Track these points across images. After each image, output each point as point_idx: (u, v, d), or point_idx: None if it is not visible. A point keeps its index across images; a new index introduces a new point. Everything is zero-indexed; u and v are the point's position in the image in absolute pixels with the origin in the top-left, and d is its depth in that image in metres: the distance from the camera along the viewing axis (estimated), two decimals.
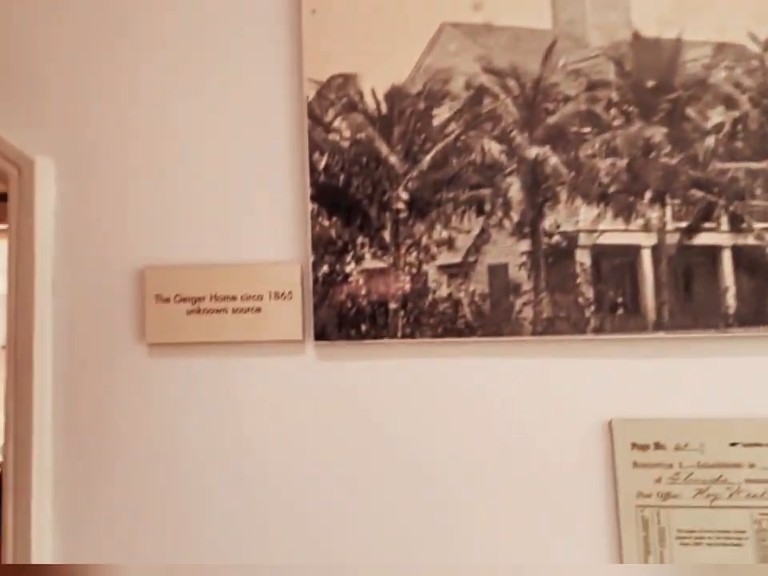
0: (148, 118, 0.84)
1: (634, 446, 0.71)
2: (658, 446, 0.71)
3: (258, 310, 0.80)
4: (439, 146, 0.80)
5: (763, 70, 0.76)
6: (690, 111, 0.77)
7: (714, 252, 0.75)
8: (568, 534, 0.71)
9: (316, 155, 0.81)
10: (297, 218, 0.81)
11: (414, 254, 0.78)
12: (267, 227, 0.81)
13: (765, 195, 0.74)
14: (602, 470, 0.72)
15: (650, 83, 0.78)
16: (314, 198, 0.80)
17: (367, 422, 0.76)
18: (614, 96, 0.78)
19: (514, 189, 0.78)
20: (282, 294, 0.80)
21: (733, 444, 0.70)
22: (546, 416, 0.74)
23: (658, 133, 0.77)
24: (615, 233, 0.76)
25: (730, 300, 0.73)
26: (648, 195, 0.76)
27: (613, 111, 0.78)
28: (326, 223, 0.80)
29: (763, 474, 0.69)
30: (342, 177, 0.81)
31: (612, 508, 0.71)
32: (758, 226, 0.74)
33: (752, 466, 0.69)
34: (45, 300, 0.82)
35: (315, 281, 0.79)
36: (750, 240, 0.74)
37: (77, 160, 0.84)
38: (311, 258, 0.79)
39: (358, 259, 0.79)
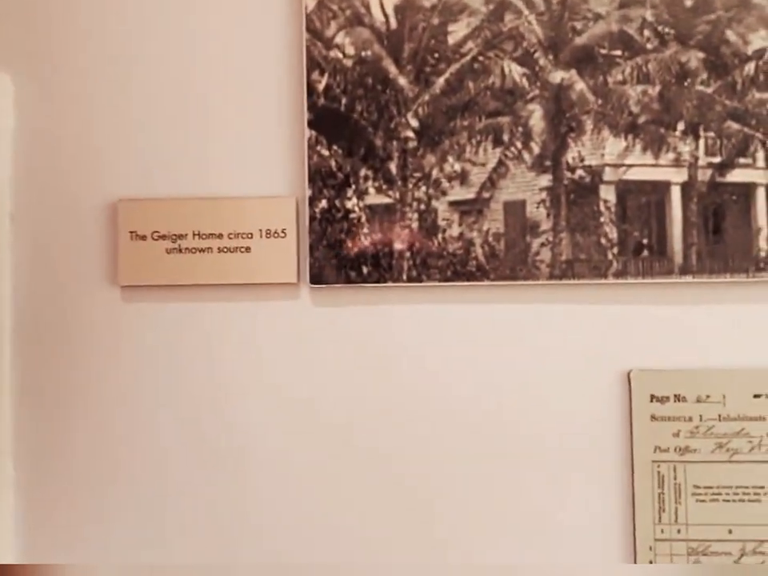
0: (122, 33, 0.73)
1: (653, 398, 0.67)
2: (678, 398, 0.67)
3: (247, 249, 0.72)
4: (454, 67, 0.71)
5: None
6: (730, 34, 0.69)
7: (747, 190, 0.69)
8: (579, 492, 0.68)
9: (315, 75, 0.71)
10: (292, 147, 0.72)
11: (423, 188, 0.71)
12: (258, 156, 0.72)
13: None
14: (618, 424, 0.68)
15: (689, 2, 0.70)
16: (311, 124, 0.71)
17: (369, 375, 0.70)
18: (649, 15, 0.70)
19: (536, 117, 0.71)
20: (275, 232, 0.72)
21: (756, 396, 0.67)
22: (562, 366, 0.69)
23: (694, 57, 0.70)
24: (643, 168, 0.70)
25: (763, 242, 0.68)
26: (680, 127, 0.69)
27: (647, 32, 0.70)
28: (325, 153, 0.72)
29: None
30: (344, 100, 0.72)
31: (627, 463, 0.68)
32: None
33: None
34: (1, 237, 0.73)
35: (312, 218, 0.71)
36: None
37: (39, 77, 0.73)
38: (308, 192, 0.71)
39: (361, 194, 0.71)
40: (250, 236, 0.72)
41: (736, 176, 0.69)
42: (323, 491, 0.71)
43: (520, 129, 0.70)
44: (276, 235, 0.72)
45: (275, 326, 0.72)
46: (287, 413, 0.71)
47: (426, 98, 0.71)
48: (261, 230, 0.72)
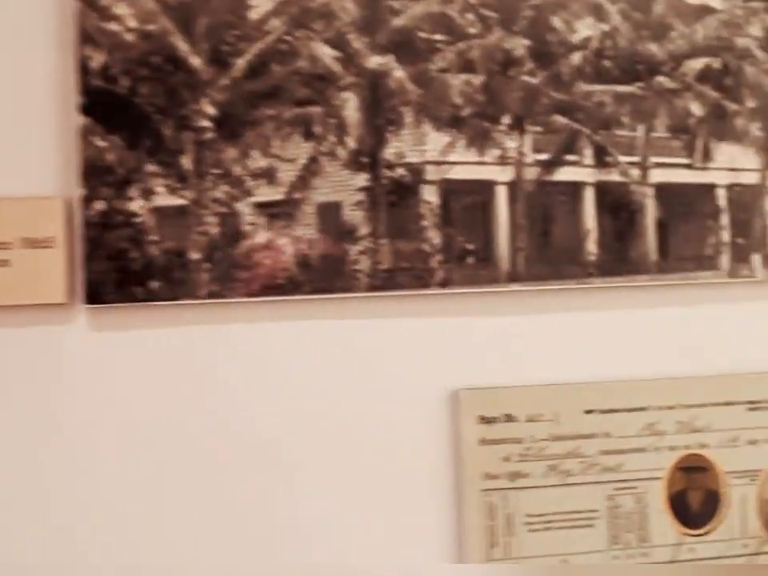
0: None
1: (481, 419, 0.62)
2: (508, 417, 0.62)
3: (5, 263, 0.59)
4: (257, 47, 0.61)
5: None
6: (556, 21, 0.64)
7: (576, 189, 0.64)
8: (400, 529, 0.61)
9: (88, 50, 0.59)
10: (60, 137, 0.59)
11: (224, 187, 0.61)
12: (16, 148, 0.59)
13: (631, 124, 0.64)
14: (444, 451, 0.61)
15: None
16: (84, 110, 0.59)
17: (160, 411, 0.59)
18: None
19: (351, 107, 0.62)
20: (39, 241, 0.59)
21: (588, 411, 0.63)
22: (381, 387, 0.61)
23: (519, 45, 0.64)
24: (468, 165, 0.63)
25: (592, 246, 0.64)
26: (505, 121, 0.64)
27: (470, 15, 0.63)
28: (103, 144, 0.59)
29: (618, 443, 0.62)
30: (125, 82, 0.60)
31: (454, 494, 0.61)
32: (623, 159, 0.65)
33: (607, 435, 0.62)
34: None
35: (86, 223, 0.59)
36: (615, 176, 0.65)
37: None
38: (80, 192, 0.59)
39: (147, 193, 0.60)
40: (8, 246, 0.59)
41: (564, 174, 0.64)
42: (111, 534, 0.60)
43: (333, 120, 0.62)
44: (41, 245, 0.59)
45: (43, 357, 0.59)
46: (69, 461, 0.60)
47: (225, 82, 0.61)
48: (21, 239, 0.59)
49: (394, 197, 0.62)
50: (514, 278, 0.63)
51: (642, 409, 0.63)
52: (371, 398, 0.61)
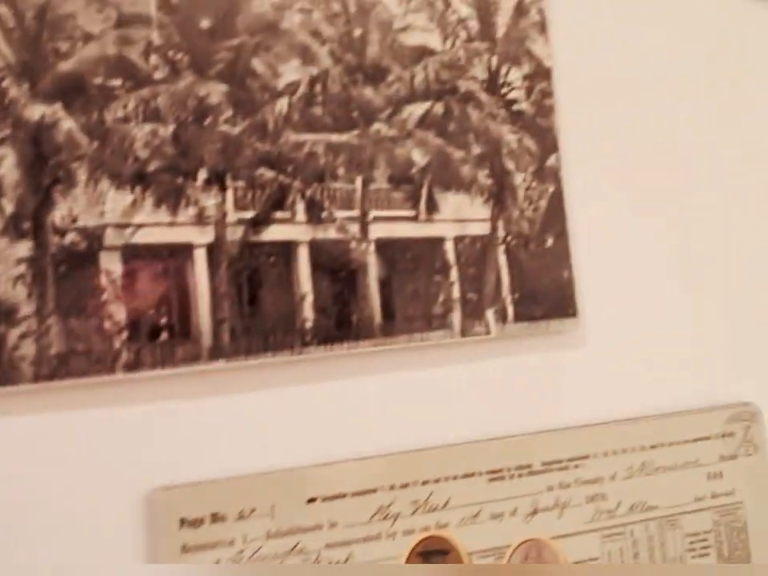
0: None
1: (183, 522, 0.53)
2: (215, 517, 0.54)
3: None
4: None
5: (346, 16, 0.61)
6: (258, 64, 0.59)
7: (287, 249, 0.58)
8: None
9: None
10: None
11: None
12: None
13: (348, 176, 0.59)
14: (138, 564, 0.53)
15: (205, 23, 0.58)
16: None
17: None
18: (156, 38, 0.56)
19: (7, 165, 0.53)
20: None
21: (310, 500, 0.56)
22: (66, 491, 0.51)
23: (215, 91, 0.58)
24: (157, 227, 0.55)
25: (308, 311, 0.58)
26: (202, 176, 0.56)
27: (154, 59, 0.56)
28: None
29: (346, 533, 0.55)
30: None
31: None
32: (340, 214, 0.59)
33: (333, 525, 0.55)
34: None
35: None
36: (331, 233, 0.59)
37: None
38: None
39: None
40: None
41: (273, 233, 0.58)
42: None
43: None
44: None
45: None
46: None
47: None
48: None
49: (65, 267, 0.52)
50: (217, 354, 0.55)
51: (371, 491, 0.56)
52: (57, 506, 0.51)
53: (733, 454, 0.65)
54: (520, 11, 0.65)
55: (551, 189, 0.64)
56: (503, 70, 0.64)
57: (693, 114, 0.69)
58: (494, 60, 0.64)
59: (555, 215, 0.64)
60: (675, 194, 0.68)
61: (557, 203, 0.64)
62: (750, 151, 0.71)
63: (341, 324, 0.57)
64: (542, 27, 0.65)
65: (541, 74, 0.65)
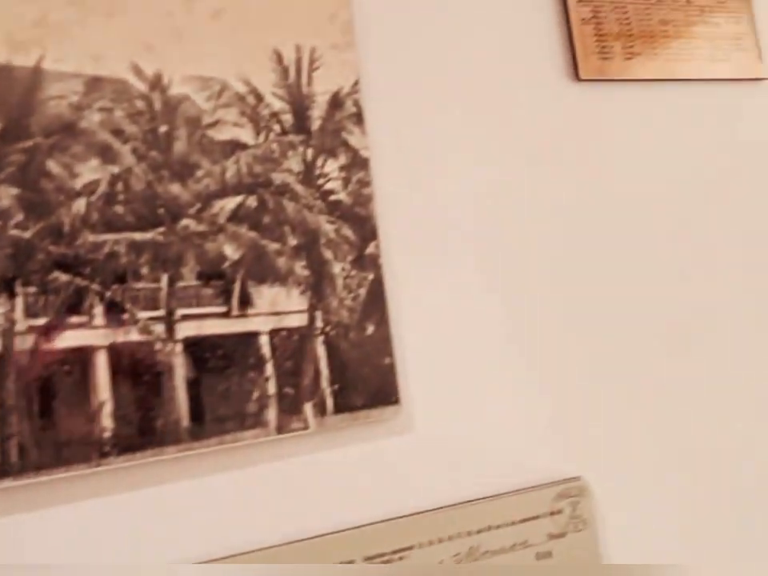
0: None
1: None
2: None
3: None
4: None
5: (151, 113, 0.60)
6: (53, 165, 0.57)
7: (84, 356, 0.56)
8: None
9: None
10: None
11: None
12: None
13: (152, 275, 0.58)
14: None
15: None
16: None
17: None
18: None
19: None
20: None
21: None
22: None
23: (5, 195, 0.56)
24: None
25: (107, 420, 0.55)
26: None
27: None
28: None
29: None
30: None
31: None
32: (143, 315, 0.58)
33: None
34: None
35: None
36: (134, 335, 0.58)
37: None
38: None
39: None
40: None
41: (68, 339, 0.56)
42: None
43: None
44: None
45: None
46: None
47: None
48: None
49: None
50: (4, 472, 0.52)
51: None
52: None
53: (561, 532, 0.65)
54: (335, 104, 0.66)
55: (371, 276, 0.65)
56: (319, 162, 0.65)
57: (509, 193, 0.72)
58: (310, 152, 0.65)
59: (375, 302, 0.64)
60: (497, 273, 0.70)
61: (377, 290, 0.65)
62: (569, 216, 0.74)
63: (144, 431, 0.55)
64: (359, 119, 0.67)
65: (358, 164, 0.66)
